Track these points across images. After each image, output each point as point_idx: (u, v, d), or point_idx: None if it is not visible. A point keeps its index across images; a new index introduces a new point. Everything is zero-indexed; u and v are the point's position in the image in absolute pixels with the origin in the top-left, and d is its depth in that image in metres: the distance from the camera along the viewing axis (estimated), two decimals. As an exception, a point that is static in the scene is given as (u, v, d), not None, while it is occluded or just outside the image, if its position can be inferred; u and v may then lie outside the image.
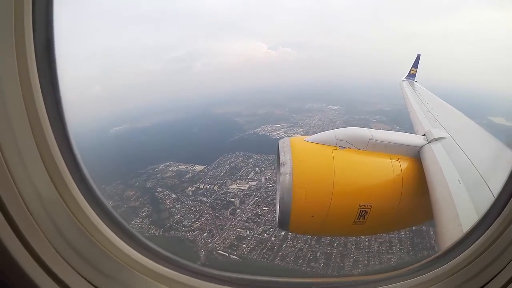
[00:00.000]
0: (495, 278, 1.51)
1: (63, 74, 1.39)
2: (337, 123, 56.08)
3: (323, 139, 3.74)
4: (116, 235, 1.51)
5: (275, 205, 3.75)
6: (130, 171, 44.82)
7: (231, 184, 37.76)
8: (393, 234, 25.23)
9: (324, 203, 3.41)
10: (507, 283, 1.45)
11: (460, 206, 2.56)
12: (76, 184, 1.39)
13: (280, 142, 3.75)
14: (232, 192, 36.19)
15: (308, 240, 25.57)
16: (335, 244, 26.07)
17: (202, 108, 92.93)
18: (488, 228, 1.59)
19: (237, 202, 34.13)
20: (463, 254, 1.64)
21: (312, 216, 3.51)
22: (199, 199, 36.04)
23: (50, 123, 1.29)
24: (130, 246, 1.52)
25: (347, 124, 54.16)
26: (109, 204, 1.62)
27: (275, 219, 3.68)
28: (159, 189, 39.26)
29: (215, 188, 37.49)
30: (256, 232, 29.32)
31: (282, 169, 3.45)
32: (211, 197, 35.95)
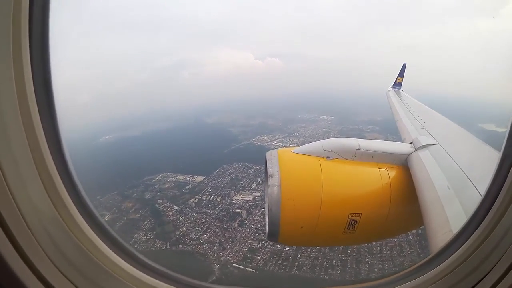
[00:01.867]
0: (486, 277, 1.55)
1: (56, 84, 1.42)
2: (331, 133, 57.39)
3: (310, 150, 3.79)
4: (112, 250, 1.54)
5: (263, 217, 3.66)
6: (125, 181, 44.26)
7: (235, 195, 37.77)
8: (402, 237, 26.24)
9: (313, 214, 3.44)
10: (498, 281, 1.49)
11: (450, 211, 2.59)
12: (72, 200, 1.43)
13: (268, 154, 3.78)
14: (237, 203, 36.20)
15: (322, 248, 25.68)
16: (348, 251, 26.66)
17: (192, 117, 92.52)
18: (477, 229, 1.63)
19: (244, 213, 34.22)
20: (453, 255, 1.67)
21: (302, 227, 3.52)
22: (203, 210, 35.92)
23: (46, 137, 1.32)
24: (126, 261, 1.57)
25: (342, 134, 55.39)
26: (103, 219, 1.67)
27: (265, 231, 3.68)
28: (159, 201, 38.89)
29: (219, 199, 37.50)
30: (269, 243, 28.55)
31: (270, 181, 3.46)
32: (215, 208, 35.91)
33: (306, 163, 3.67)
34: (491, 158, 3.67)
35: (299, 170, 3.64)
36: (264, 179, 3.82)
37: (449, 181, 3.07)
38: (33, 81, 1.27)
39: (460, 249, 1.68)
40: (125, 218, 36.46)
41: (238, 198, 37.26)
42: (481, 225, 1.62)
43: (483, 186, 2.00)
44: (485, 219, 1.61)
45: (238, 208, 35.50)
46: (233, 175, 42.85)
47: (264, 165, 3.75)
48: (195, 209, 36.35)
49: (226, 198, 37.67)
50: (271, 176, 3.46)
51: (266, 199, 3.54)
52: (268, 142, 55.29)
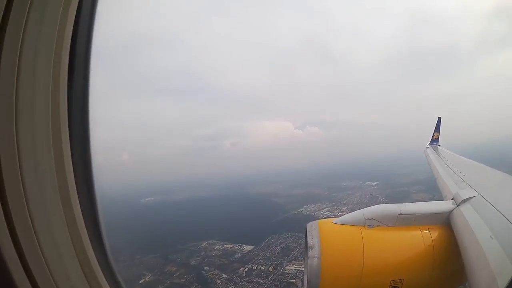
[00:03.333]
0: None
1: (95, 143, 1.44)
2: (379, 198, 55.58)
3: (351, 220, 3.78)
4: None
5: None
6: (168, 245, 44.58)
7: (287, 265, 35.97)
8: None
9: (353, 285, 3.40)
10: None
11: (494, 262, 2.50)
12: (100, 266, 1.45)
13: (308, 225, 3.75)
14: (290, 273, 34.33)
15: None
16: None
17: (234, 187, 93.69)
18: None
19: (299, 283, 31.92)
20: None
21: None
22: (255, 280, 34.26)
23: (81, 208, 1.35)
24: None
25: (390, 197, 53.45)
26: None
27: None
28: (206, 268, 38.02)
29: (271, 269, 35.81)
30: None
31: (310, 253, 3.40)
32: (268, 278, 34.17)
33: (347, 233, 3.66)
34: None
35: (339, 241, 3.61)
36: (304, 251, 3.74)
37: (492, 231, 2.95)
38: (70, 142, 1.31)
39: None
40: (169, 282, 35.77)
41: (292, 268, 35.34)
42: None
43: None
44: None
45: (292, 278, 33.57)
46: (283, 245, 41.33)
47: (304, 237, 3.71)
48: (245, 278, 34.76)
49: (279, 268, 35.85)
50: (311, 248, 3.43)
51: (305, 271, 3.49)
52: (317, 211, 53.91)
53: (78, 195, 1.34)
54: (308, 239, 3.53)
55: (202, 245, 44.30)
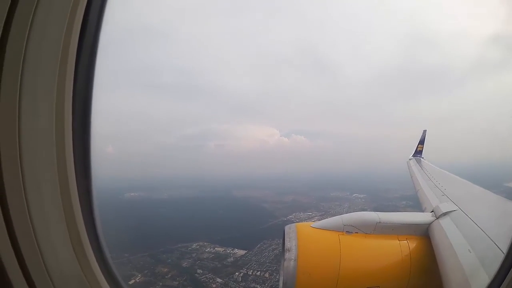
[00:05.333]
0: None
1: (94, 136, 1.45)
2: (368, 211, 54.73)
3: (330, 225, 3.78)
4: None
5: None
6: (158, 245, 43.79)
7: (283, 272, 36.26)
8: None
9: None
10: None
11: (472, 275, 2.52)
12: (97, 261, 1.45)
13: (286, 227, 3.77)
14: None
15: None
16: None
17: (221, 189, 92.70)
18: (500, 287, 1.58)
19: None
20: None
21: None
22: (251, 286, 34.51)
23: (78, 193, 1.34)
24: None
25: (378, 210, 51.42)
26: (125, 282, 1.71)
27: None
28: (199, 271, 37.64)
29: (266, 275, 36.09)
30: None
31: (287, 255, 3.41)
32: (265, 284, 34.51)
33: (325, 238, 3.66)
34: None
35: (317, 245, 3.61)
36: (281, 253, 3.76)
37: (470, 245, 2.99)
38: (73, 135, 1.31)
39: None
40: (161, 284, 35.22)
41: (288, 275, 35.64)
42: (504, 282, 1.61)
43: (508, 243, 2.05)
44: (507, 277, 1.60)
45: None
46: (276, 251, 40.76)
47: (282, 239, 3.75)
48: (242, 284, 34.87)
49: (275, 274, 35.55)
50: (288, 250, 3.45)
51: (281, 272, 3.51)
52: (307, 219, 53.93)
53: (78, 197, 1.35)
54: (285, 241, 3.56)
55: (193, 247, 43.82)
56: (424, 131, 12.71)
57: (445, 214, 3.99)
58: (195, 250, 43.40)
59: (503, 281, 1.58)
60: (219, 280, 35.75)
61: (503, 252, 2.38)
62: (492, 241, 2.85)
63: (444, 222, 3.80)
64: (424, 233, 3.85)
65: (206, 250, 43.19)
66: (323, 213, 58.38)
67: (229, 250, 42.76)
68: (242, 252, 42.09)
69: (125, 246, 38.58)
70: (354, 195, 74.39)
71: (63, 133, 1.26)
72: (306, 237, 3.63)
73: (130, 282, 33.66)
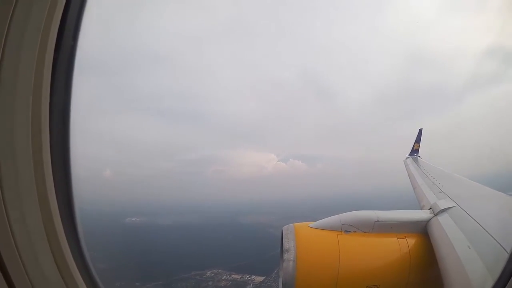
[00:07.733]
0: None
1: (76, 153, 1.44)
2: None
3: (328, 224, 3.76)
4: None
5: None
6: (171, 273, 43.08)
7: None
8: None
9: None
10: None
11: (472, 272, 2.49)
12: (77, 266, 1.43)
13: (284, 228, 3.73)
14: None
15: None
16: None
17: (225, 215, 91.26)
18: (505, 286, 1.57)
19: None
20: None
21: None
22: None
23: (58, 207, 1.32)
24: None
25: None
26: None
27: None
28: None
29: None
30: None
31: (285, 256, 3.40)
32: None
33: (323, 238, 3.65)
34: None
35: (315, 245, 3.61)
36: (279, 253, 3.72)
37: (469, 241, 2.95)
38: (51, 152, 1.28)
39: None
40: None
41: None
42: (509, 283, 1.58)
43: (508, 239, 2.05)
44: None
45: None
46: None
47: (280, 239, 3.72)
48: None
49: None
50: (287, 251, 3.44)
51: (280, 273, 3.50)
52: None
53: (56, 198, 1.33)
54: (284, 242, 3.56)
55: (207, 274, 43.13)
56: (420, 130, 12.61)
57: (443, 211, 3.96)
58: (211, 278, 42.82)
59: (507, 282, 1.56)
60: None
61: (503, 247, 2.48)
62: (492, 236, 2.83)
63: (443, 219, 3.77)
64: (422, 231, 3.85)
65: (223, 278, 42.63)
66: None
67: (246, 277, 42.27)
68: (260, 278, 41.52)
69: (135, 275, 38.28)
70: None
71: (40, 136, 1.24)
72: (305, 237, 3.64)
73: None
